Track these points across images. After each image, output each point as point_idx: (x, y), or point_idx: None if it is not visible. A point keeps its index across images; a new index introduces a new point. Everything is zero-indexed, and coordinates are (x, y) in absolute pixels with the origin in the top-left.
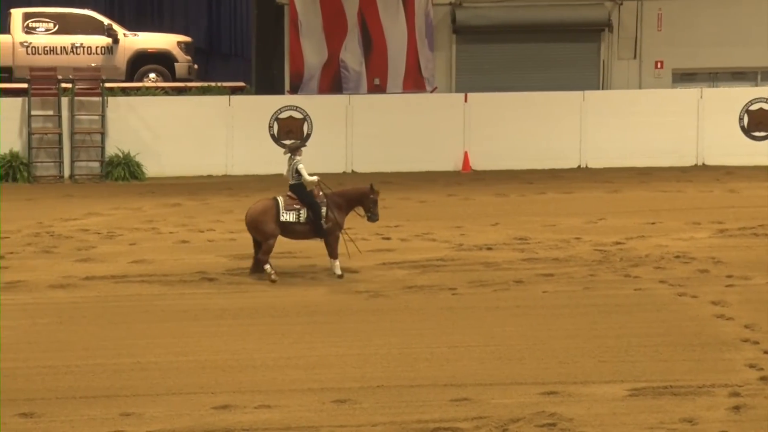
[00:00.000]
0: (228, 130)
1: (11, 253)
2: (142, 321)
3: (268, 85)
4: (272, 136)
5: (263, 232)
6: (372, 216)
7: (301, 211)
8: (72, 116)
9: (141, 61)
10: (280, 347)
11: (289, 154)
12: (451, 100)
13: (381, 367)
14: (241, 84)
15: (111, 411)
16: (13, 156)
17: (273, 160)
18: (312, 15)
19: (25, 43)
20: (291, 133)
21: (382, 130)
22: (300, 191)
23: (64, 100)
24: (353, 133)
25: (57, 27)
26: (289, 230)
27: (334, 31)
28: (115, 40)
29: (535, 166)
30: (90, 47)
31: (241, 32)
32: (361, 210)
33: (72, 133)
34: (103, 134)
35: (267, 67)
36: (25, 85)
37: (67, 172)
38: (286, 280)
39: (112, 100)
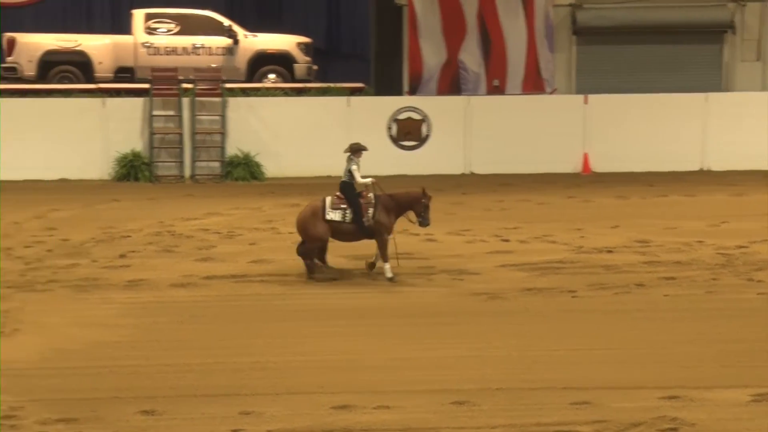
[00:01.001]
0: (346, 131)
1: (133, 251)
2: (261, 320)
3: (387, 86)
4: (391, 137)
5: (312, 235)
6: (423, 221)
7: (347, 211)
8: (193, 116)
9: (261, 62)
10: (399, 348)
11: (348, 154)
12: (570, 101)
13: (500, 369)
14: (360, 85)
15: (231, 410)
16: (135, 156)
17: (391, 162)
18: (431, 16)
19: (146, 44)
20: (409, 134)
21: (501, 131)
22: (347, 190)
23: (185, 101)
24: (472, 135)
25: (178, 28)
26: (336, 230)
27: (453, 32)
28: (236, 41)
29: (656, 169)
30: (210, 48)
31: (361, 33)
32: (412, 215)
33: (193, 134)
34: (223, 134)
35: (386, 68)
36: (146, 86)
37: (187, 172)
38: (405, 280)
39: (232, 101)
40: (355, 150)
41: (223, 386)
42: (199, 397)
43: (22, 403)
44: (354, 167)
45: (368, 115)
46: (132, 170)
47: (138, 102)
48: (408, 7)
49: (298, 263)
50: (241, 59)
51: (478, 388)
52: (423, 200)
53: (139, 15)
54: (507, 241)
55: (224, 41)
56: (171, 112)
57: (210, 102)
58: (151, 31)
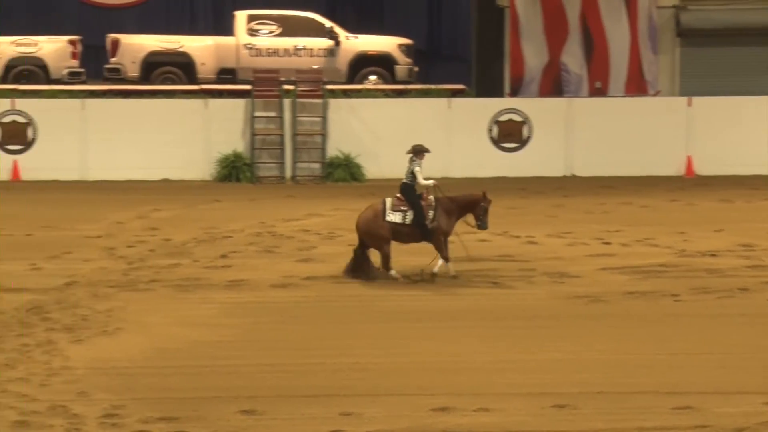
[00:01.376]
0: (447, 133)
1: (234, 252)
2: (361, 322)
3: (488, 87)
4: (491, 139)
5: (375, 237)
6: (482, 224)
7: (407, 213)
8: (294, 118)
9: (362, 64)
10: (499, 350)
11: (411, 155)
12: (674, 103)
13: (601, 373)
14: (461, 86)
15: (330, 410)
16: (237, 156)
17: (492, 163)
18: (533, 17)
19: (248, 45)
20: (511, 135)
21: (603, 133)
22: (408, 192)
23: (286, 102)
24: (573, 137)
25: (280, 29)
26: (396, 232)
27: (555, 33)
28: (337, 43)
29: (761, 172)
30: (312, 49)
31: (462, 35)
32: (471, 219)
33: (294, 135)
34: (324, 136)
35: (487, 70)
36: (248, 87)
37: (288, 173)
38: (505, 283)
39: (333, 102)
40: (418, 151)
41: (323, 387)
42: (298, 397)
43: (124, 402)
44: (417, 169)
45: (469, 117)
46: (233, 171)
47: (240, 103)
48: (510, 9)
49: (399, 265)
50: (343, 61)
51: (578, 391)
52: (483, 203)
53: (241, 16)
54: (609, 244)
55: (326, 43)
56: (272, 114)
57: (311, 103)
58: (253, 32)
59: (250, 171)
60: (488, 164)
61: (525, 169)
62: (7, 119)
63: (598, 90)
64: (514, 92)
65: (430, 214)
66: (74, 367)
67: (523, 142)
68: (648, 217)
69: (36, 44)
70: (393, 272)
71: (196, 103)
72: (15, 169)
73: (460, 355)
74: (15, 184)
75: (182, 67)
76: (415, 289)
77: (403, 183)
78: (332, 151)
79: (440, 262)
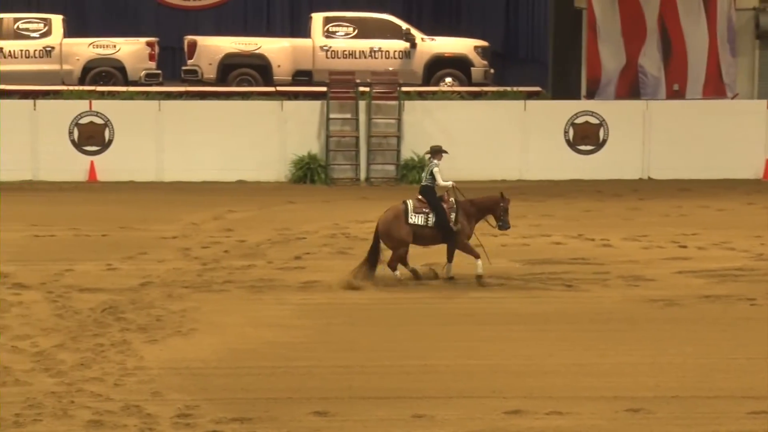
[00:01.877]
0: (523, 135)
1: (308, 253)
2: (433, 324)
3: (565, 89)
4: (567, 141)
5: (395, 239)
6: (503, 224)
7: (429, 215)
8: (369, 120)
9: (438, 66)
10: (572, 354)
11: (428, 156)
12: (752, 106)
13: (675, 377)
14: (537, 89)
15: (402, 412)
16: (312, 158)
17: (568, 166)
18: (610, 20)
19: (324, 47)
20: (587, 138)
21: (681, 136)
22: (429, 194)
23: (362, 104)
24: (650, 139)
25: (356, 31)
26: (417, 235)
27: (632, 35)
28: (413, 45)
29: None
30: (388, 51)
31: (539, 37)
32: (492, 219)
33: (369, 137)
34: (398, 138)
35: (564, 72)
36: (323, 89)
37: (363, 175)
38: (579, 286)
39: (408, 104)
40: (435, 152)
41: (396, 389)
42: (371, 399)
43: (198, 402)
44: (436, 170)
45: (545, 119)
46: (308, 172)
47: (315, 105)
48: (587, 11)
49: (472, 267)
50: (418, 63)
51: (653, 395)
52: (502, 204)
53: (318, 18)
54: (685, 247)
55: (402, 45)
56: (347, 115)
57: (386, 105)
58: (329, 34)
59: (324, 173)
60: (564, 167)
61: (601, 172)
62: (84, 120)
63: (676, 92)
64: (591, 94)
65: (452, 216)
66: (148, 367)
67: (599, 145)
68: (725, 220)
69: (114, 46)
70: (397, 273)
71: (271, 104)
72: (92, 170)
73: (533, 358)
74: (92, 185)
75: (259, 68)
76: (488, 292)
77: (423, 185)
78: (407, 153)
79: (478, 262)
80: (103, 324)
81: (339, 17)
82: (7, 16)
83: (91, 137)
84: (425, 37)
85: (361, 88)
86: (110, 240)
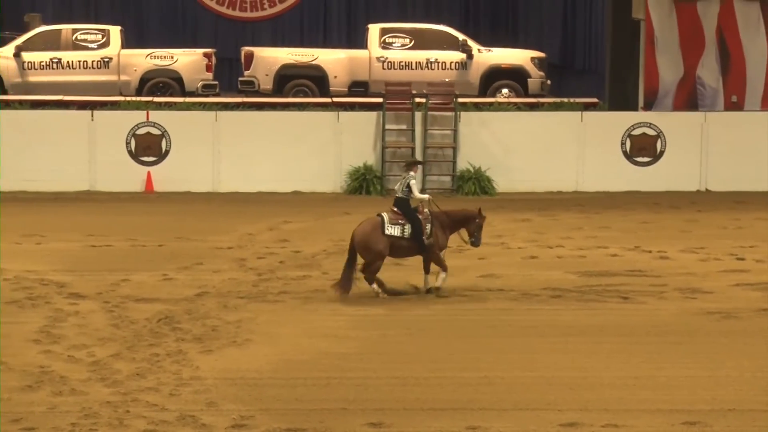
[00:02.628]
0: (579, 146)
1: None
2: (488, 335)
3: (622, 101)
4: (624, 153)
5: (373, 251)
6: (475, 241)
7: (405, 226)
8: (425, 131)
9: (494, 77)
10: (628, 366)
11: (405, 167)
12: None
13: (733, 390)
14: (594, 100)
15: (457, 424)
16: (367, 169)
17: (625, 177)
18: (668, 31)
19: (381, 58)
20: (643, 150)
21: (739, 148)
22: (404, 206)
23: (418, 115)
24: (708, 151)
25: (413, 42)
26: (394, 246)
27: (690, 47)
28: (469, 56)
29: None
30: (444, 63)
31: (596, 48)
32: (464, 234)
33: (424, 148)
34: (454, 149)
35: (621, 84)
36: (379, 100)
37: (418, 186)
38: (636, 298)
39: (464, 115)
40: (411, 164)
41: (450, 400)
42: (426, 410)
43: (253, 413)
44: (413, 182)
45: (602, 131)
46: (363, 183)
47: (371, 116)
48: (645, 22)
49: (528, 279)
50: (475, 74)
51: (709, 409)
52: (477, 220)
53: (374, 30)
54: (743, 260)
55: (458, 56)
56: (403, 126)
57: (442, 116)
58: (386, 45)
59: (380, 183)
60: (621, 178)
61: (658, 184)
62: (141, 131)
63: (734, 104)
64: (648, 106)
65: (427, 227)
66: (204, 378)
67: (656, 156)
68: None
69: (171, 57)
70: (375, 286)
71: (327, 115)
72: (148, 181)
73: (589, 371)
74: (148, 195)
75: (315, 79)
76: (544, 304)
77: (398, 197)
78: (463, 164)
79: (442, 275)
80: (159, 334)
81: (396, 28)
82: (66, 27)
83: (148, 148)
84: (482, 48)
85: (418, 99)
86: (166, 250)
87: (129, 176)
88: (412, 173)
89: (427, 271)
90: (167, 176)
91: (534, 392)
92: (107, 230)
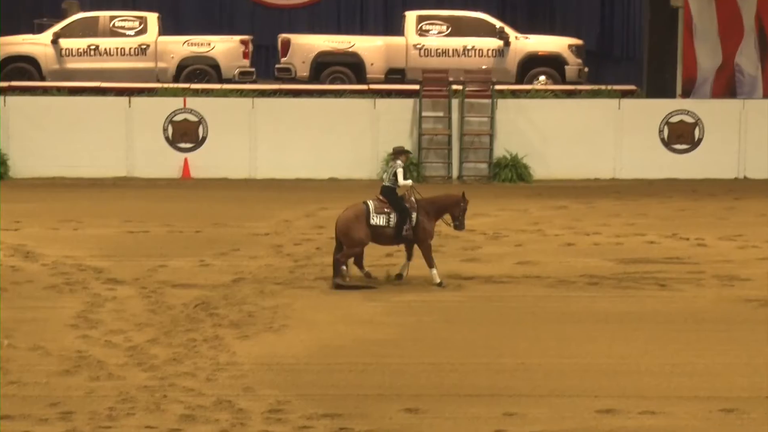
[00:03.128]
0: (617, 134)
1: (399, 251)
2: (525, 322)
3: (660, 89)
4: (662, 140)
5: (353, 239)
6: (459, 225)
7: (391, 215)
8: (461, 118)
9: (531, 64)
10: (666, 353)
11: (392, 156)
12: None
13: None
14: (632, 87)
15: (493, 410)
16: None
17: (662, 165)
18: (707, 19)
19: (418, 45)
20: (681, 137)
21: None
22: (391, 195)
23: (455, 102)
24: (746, 139)
25: (449, 29)
26: (378, 234)
27: (729, 35)
28: (507, 43)
29: None
30: (481, 50)
31: (634, 35)
32: (448, 218)
33: (461, 135)
34: (491, 136)
35: (659, 71)
36: (416, 87)
37: (455, 173)
38: (673, 285)
39: (501, 102)
40: (399, 153)
41: (486, 387)
42: (462, 396)
43: (289, 398)
44: (399, 170)
45: (639, 118)
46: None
47: (408, 103)
48: (684, 10)
49: (564, 266)
50: (512, 61)
51: (747, 396)
52: (462, 204)
53: (411, 17)
54: None
55: (495, 43)
56: (440, 114)
57: (479, 104)
58: (423, 33)
59: (416, 170)
60: (658, 166)
61: (696, 171)
62: (178, 117)
63: None
64: (686, 93)
65: (413, 216)
66: (240, 363)
67: (694, 144)
68: None
69: (209, 44)
70: (344, 269)
71: (364, 102)
72: (185, 167)
73: (626, 358)
74: (185, 182)
75: (352, 66)
76: (580, 291)
77: (385, 185)
78: (499, 151)
79: (433, 271)
80: (196, 320)
81: (432, 15)
82: (104, 14)
83: (185, 134)
84: (519, 35)
85: (454, 86)
86: (203, 236)
87: (166, 162)
88: (399, 162)
89: (409, 257)
90: (204, 163)
91: (570, 379)
92: (144, 216)
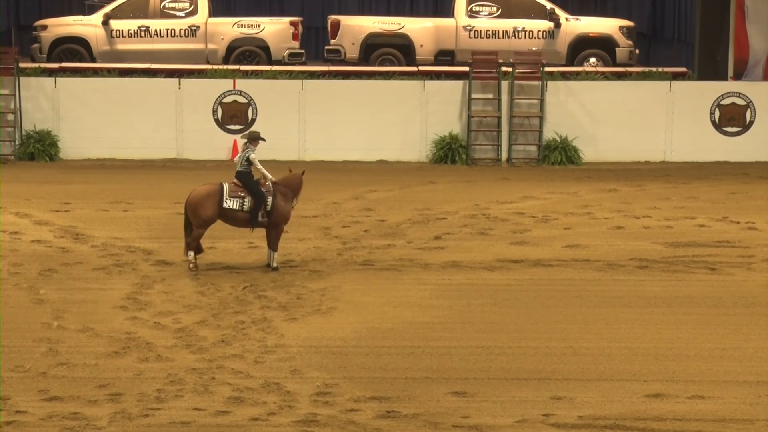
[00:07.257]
0: (668, 116)
1: (448, 233)
2: (574, 306)
3: (711, 71)
4: (713, 122)
5: (200, 218)
6: (295, 203)
7: (245, 200)
8: (511, 100)
9: (582, 46)
10: (715, 338)
11: (245, 141)
12: None
13: None
14: (683, 69)
15: (542, 394)
16: (453, 138)
17: (713, 148)
18: (759, 1)
19: (468, 27)
20: (733, 120)
21: None
22: (246, 179)
23: (504, 84)
24: None
25: (500, 11)
26: (229, 217)
27: None
28: (557, 25)
29: None
30: (531, 31)
31: (685, 17)
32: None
33: (510, 117)
34: (541, 118)
35: (710, 53)
36: (466, 69)
37: (504, 156)
38: (723, 269)
39: (551, 84)
40: (253, 138)
41: (535, 370)
42: (510, 380)
43: (337, 380)
44: (252, 155)
45: (690, 101)
46: (449, 153)
47: (457, 85)
48: None
49: (614, 249)
50: (562, 43)
51: None
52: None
53: None
54: None
55: (545, 24)
56: (489, 96)
57: (529, 86)
58: (473, 14)
59: (465, 153)
60: (709, 148)
61: (747, 154)
62: (228, 99)
63: None
64: (738, 76)
65: (270, 200)
66: (288, 345)
67: (745, 127)
68: None
69: (258, 25)
70: (191, 254)
71: (413, 84)
72: (234, 148)
73: (675, 342)
74: (234, 163)
75: (401, 48)
76: (629, 274)
77: (239, 171)
78: (549, 133)
79: (274, 255)
80: (244, 302)
81: None
82: None
83: (235, 116)
84: (569, 16)
85: (504, 68)
86: None
87: (215, 144)
88: (251, 147)
89: (270, 246)
90: None
91: (619, 363)
92: None
